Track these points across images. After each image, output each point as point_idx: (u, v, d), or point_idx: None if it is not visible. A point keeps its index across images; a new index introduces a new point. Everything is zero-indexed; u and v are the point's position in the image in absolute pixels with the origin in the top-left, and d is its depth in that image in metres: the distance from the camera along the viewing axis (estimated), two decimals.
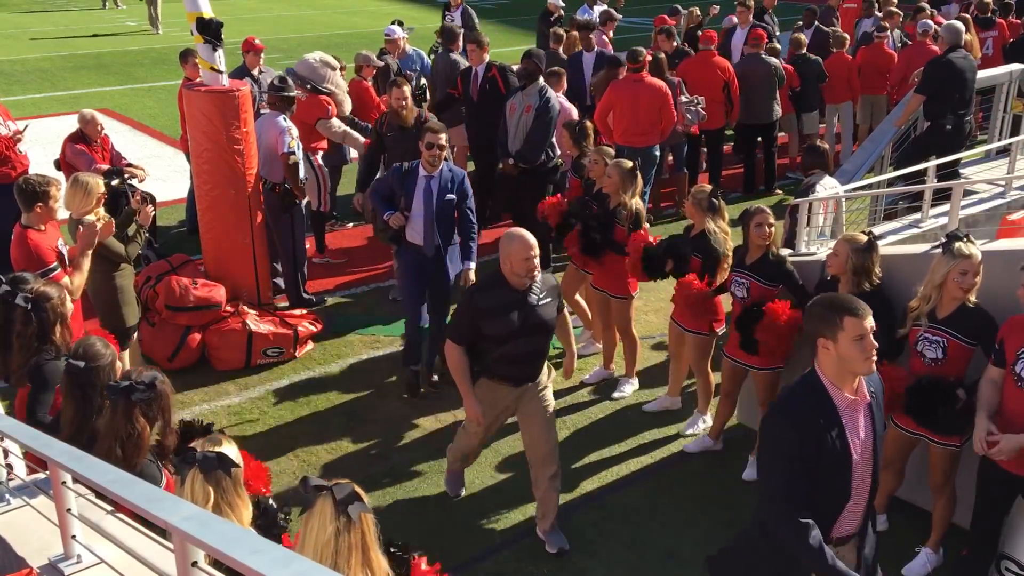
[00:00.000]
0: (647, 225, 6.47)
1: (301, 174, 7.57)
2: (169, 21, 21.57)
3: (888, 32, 11.45)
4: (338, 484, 2.55)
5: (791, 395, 3.43)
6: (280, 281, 7.91)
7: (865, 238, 4.82)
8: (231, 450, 2.99)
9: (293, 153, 7.44)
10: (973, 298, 4.43)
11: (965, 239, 4.41)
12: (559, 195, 7.26)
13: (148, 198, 6.19)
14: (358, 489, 2.56)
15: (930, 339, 4.50)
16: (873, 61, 11.23)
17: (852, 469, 3.32)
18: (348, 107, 9.07)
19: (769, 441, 3.43)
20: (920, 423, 4.59)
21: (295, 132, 7.54)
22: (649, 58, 9.38)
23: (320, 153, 8.62)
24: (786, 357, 5.38)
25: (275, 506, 3.41)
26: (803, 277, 5.42)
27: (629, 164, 6.30)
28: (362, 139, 8.74)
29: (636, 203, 6.29)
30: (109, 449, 3.41)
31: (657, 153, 9.29)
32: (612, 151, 6.87)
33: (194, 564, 2.41)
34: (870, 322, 3.23)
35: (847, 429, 3.30)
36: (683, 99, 9.69)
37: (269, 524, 3.31)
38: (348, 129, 8.68)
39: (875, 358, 3.27)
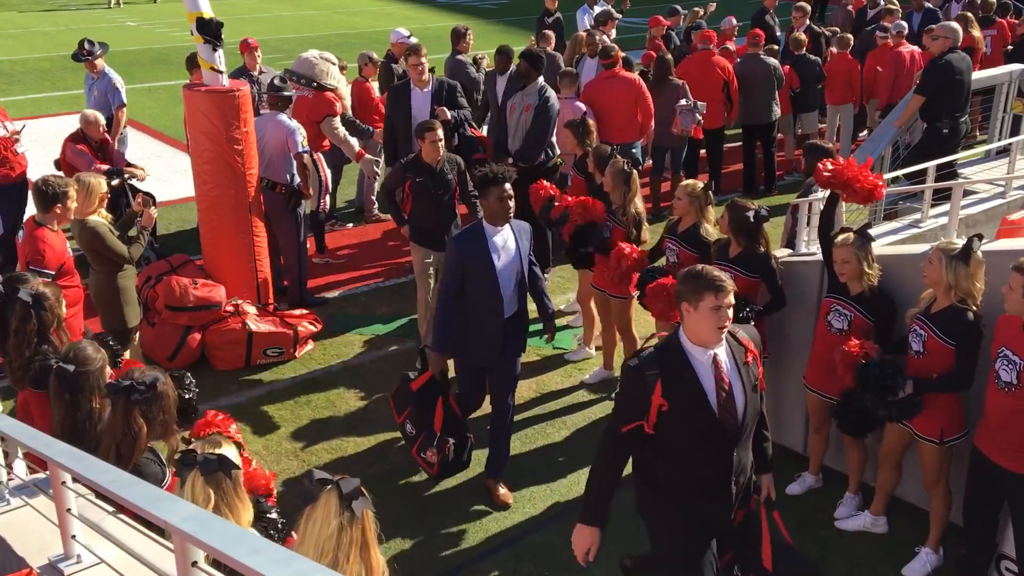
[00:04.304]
0: (646, 226, 6.48)
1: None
2: (169, 21, 21.56)
3: (889, 32, 11.36)
4: (344, 479, 2.54)
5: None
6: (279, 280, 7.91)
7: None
8: (231, 451, 3.00)
9: (308, 152, 7.45)
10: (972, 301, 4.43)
11: (974, 239, 4.42)
12: (545, 183, 7.19)
13: (150, 200, 6.20)
14: (361, 486, 2.56)
15: (916, 331, 4.58)
16: (897, 62, 10.78)
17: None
18: (348, 104, 9.05)
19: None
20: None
21: (303, 132, 7.54)
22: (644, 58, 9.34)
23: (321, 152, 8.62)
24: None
25: (275, 512, 3.39)
26: (803, 277, 5.42)
27: (620, 163, 6.30)
28: (357, 148, 8.66)
29: (637, 205, 6.29)
30: (108, 447, 3.42)
31: (636, 151, 9.23)
32: (608, 149, 6.87)
33: (194, 564, 2.41)
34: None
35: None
36: (682, 102, 9.63)
37: (266, 528, 3.30)
38: (348, 137, 8.61)
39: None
